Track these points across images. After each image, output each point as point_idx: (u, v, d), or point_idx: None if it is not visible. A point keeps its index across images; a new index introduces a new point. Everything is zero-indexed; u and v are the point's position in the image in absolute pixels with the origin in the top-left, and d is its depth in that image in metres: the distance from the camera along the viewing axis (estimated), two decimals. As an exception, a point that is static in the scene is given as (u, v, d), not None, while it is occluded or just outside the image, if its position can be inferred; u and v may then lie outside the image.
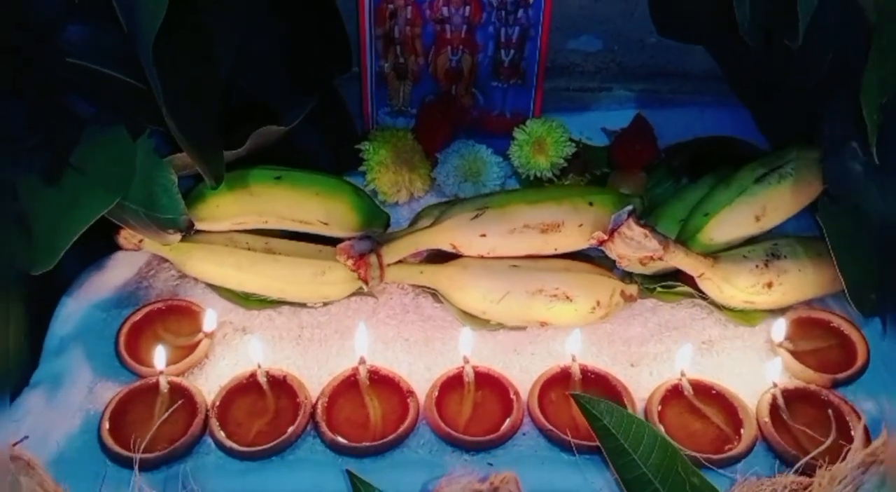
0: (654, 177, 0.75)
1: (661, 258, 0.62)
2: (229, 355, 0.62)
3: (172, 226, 0.54)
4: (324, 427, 0.56)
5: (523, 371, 0.62)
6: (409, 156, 0.73)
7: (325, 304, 0.66)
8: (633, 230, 0.61)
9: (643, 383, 0.61)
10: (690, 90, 0.82)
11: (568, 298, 0.63)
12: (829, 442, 0.51)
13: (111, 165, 0.52)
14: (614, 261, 0.64)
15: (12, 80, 0.54)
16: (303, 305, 0.66)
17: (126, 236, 0.60)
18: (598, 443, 0.53)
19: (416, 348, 0.63)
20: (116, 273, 0.67)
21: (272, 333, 0.64)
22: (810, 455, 0.48)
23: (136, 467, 0.50)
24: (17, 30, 0.54)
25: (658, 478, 0.49)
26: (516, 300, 0.63)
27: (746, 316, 0.65)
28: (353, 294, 0.66)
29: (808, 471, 0.48)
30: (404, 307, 0.67)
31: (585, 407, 0.52)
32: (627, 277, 0.66)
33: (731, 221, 0.64)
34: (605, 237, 0.62)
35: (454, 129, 0.76)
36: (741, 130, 0.78)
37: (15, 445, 0.34)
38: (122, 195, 0.51)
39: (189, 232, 0.56)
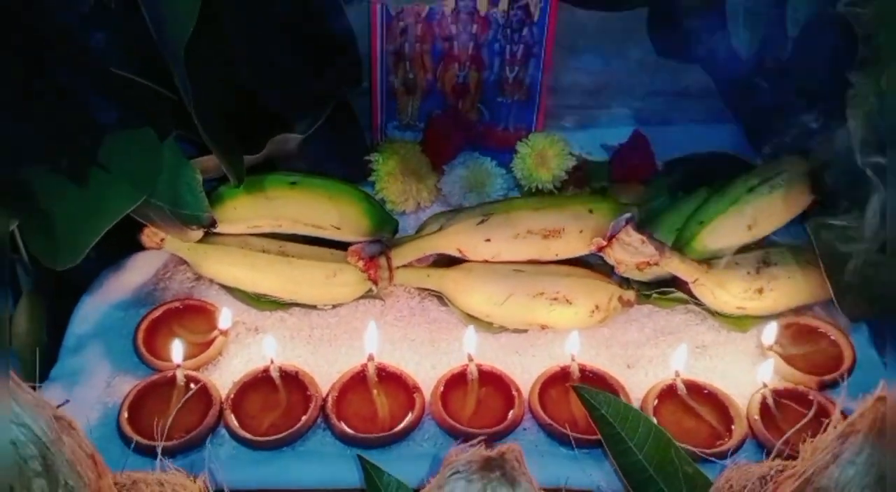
0: (652, 190, 0.78)
1: (657, 263, 0.65)
2: (242, 353, 0.65)
3: (196, 222, 0.57)
4: (334, 419, 0.59)
5: (524, 371, 0.64)
6: (417, 167, 0.77)
7: (335, 306, 0.69)
8: (631, 236, 0.64)
9: (639, 384, 0.63)
10: (687, 108, 0.85)
11: (568, 301, 0.66)
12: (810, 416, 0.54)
13: (138, 163, 0.55)
14: (613, 267, 0.67)
15: (40, 82, 0.57)
16: (313, 308, 0.69)
17: (149, 235, 0.63)
18: (596, 437, 0.56)
19: (423, 348, 0.66)
20: (134, 274, 0.70)
21: (284, 333, 0.67)
22: (792, 430, 0.51)
23: (160, 452, 0.52)
24: (45, 32, 0.57)
25: (653, 466, 0.51)
26: (518, 303, 0.66)
27: (738, 322, 0.68)
28: (362, 297, 0.69)
29: (793, 456, 0.51)
30: (411, 310, 0.69)
31: (585, 397, 0.54)
32: (625, 283, 0.69)
33: (724, 230, 0.67)
34: (605, 243, 0.65)
35: (460, 142, 0.79)
36: (735, 145, 0.81)
37: (58, 407, 0.36)
38: (149, 193, 0.55)
39: (212, 228, 0.59)
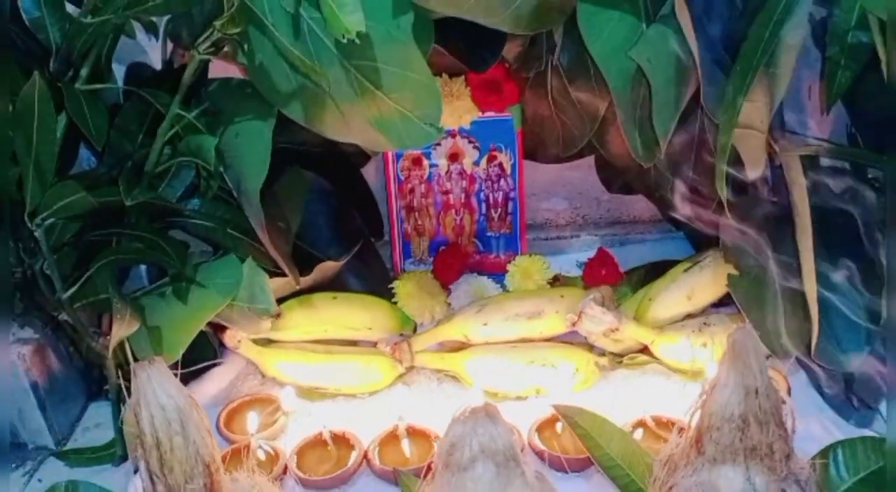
0: (619, 292, 0.98)
1: (617, 329, 0.83)
2: (299, 430, 0.82)
3: (266, 314, 0.77)
4: (376, 463, 0.75)
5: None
6: (430, 288, 0.97)
7: (371, 394, 0.87)
8: (594, 310, 0.83)
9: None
10: (640, 231, 1.08)
11: (553, 365, 0.83)
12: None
13: (224, 279, 0.77)
14: (592, 346, 0.86)
15: (157, 240, 0.81)
16: (353, 396, 0.87)
17: (230, 336, 0.83)
18: (581, 459, 0.71)
19: (442, 413, 0.82)
20: (214, 383, 0.90)
21: (332, 416, 0.84)
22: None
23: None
24: (157, 207, 0.82)
25: (622, 459, 0.66)
26: (514, 371, 0.83)
27: (695, 375, 0.84)
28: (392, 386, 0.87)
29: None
30: (431, 391, 0.87)
31: (566, 414, 0.70)
32: (601, 353, 0.87)
33: (668, 301, 0.86)
34: (576, 318, 0.84)
35: (462, 267, 1.00)
36: (680, 254, 1.02)
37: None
38: (231, 297, 0.76)
39: (277, 318, 0.79)
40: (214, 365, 0.89)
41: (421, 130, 0.70)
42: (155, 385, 0.53)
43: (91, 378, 0.98)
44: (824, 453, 0.64)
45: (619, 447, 0.68)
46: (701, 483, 0.56)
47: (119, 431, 0.88)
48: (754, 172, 0.77)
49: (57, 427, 0.93)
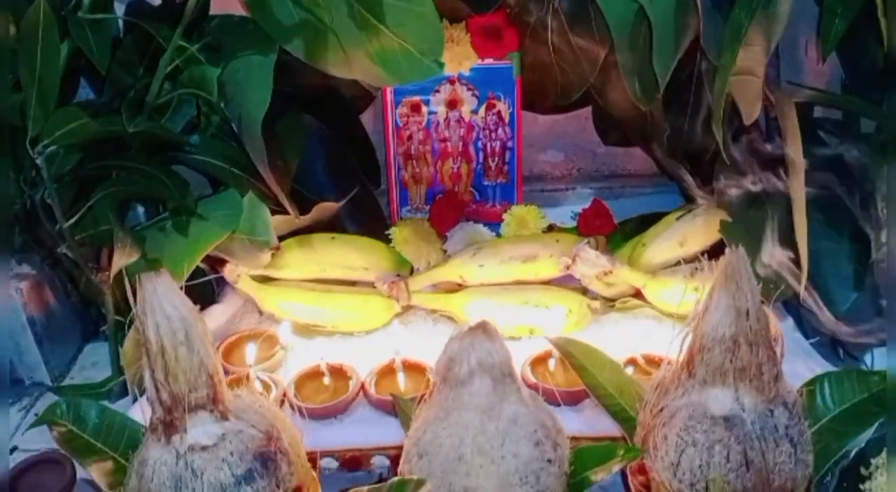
0: (612, 242, 0.99)
1: (610, 272, 0.84)
2: (297, 366, 0.83)
3: (266, 246, 0.78)
4: (372, 394, 0.76)
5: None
6: (426, 235, 0.98)
7: (368, 332, 0.88)
8: (589, 253, 0.84)
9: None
10: (635, 185, 1.09)
11: (547, 306, 0.85)
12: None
13: (225, 211, 0.78)
14: (586, 289, 0.87)
15: (157, 174, 0.82)
16: (351, 334, 0.88)
17: (230, 270, 0.84)
18: (574, 391, 0.73)
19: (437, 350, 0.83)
20: (213, 320, 0.90)
21: (329, 352, 0.85)
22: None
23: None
24: (158, 141, 0.83)
25: (613, 389, 0.68)
26: (508, 311, 0.85)
27: (686, 318, 0.86)
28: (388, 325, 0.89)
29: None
30: (426, 330, 0.88)
31: (561, 346, 0.72)
32: (594, 296, 0.88)
33: (661, 247, 0.88)
34: (570, 261, 0.85)
35: (458, 215, 1.01)
36: (674, 207, 1.03)
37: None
38: (232, 230, 0.77)
39: (276, 251, 0.80)
40: (212, 304, 0.90)
41: (422, 64, 0.71)
42: (160, 296, 0.53)
43: (88, 319, 0.99)
44: (810, 384, 0.66)
45: (611, 377, 0.69)
46: (691, 404, 0.58)
47: (117, 367, 0.89)
48: (750, 116, 0.79)
49: (54, 364, 0.95)
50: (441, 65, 0.71)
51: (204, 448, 0.55)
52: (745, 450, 0.55)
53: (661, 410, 0.59)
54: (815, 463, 0.59)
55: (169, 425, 0.55)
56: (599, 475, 0.57)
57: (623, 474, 0.67)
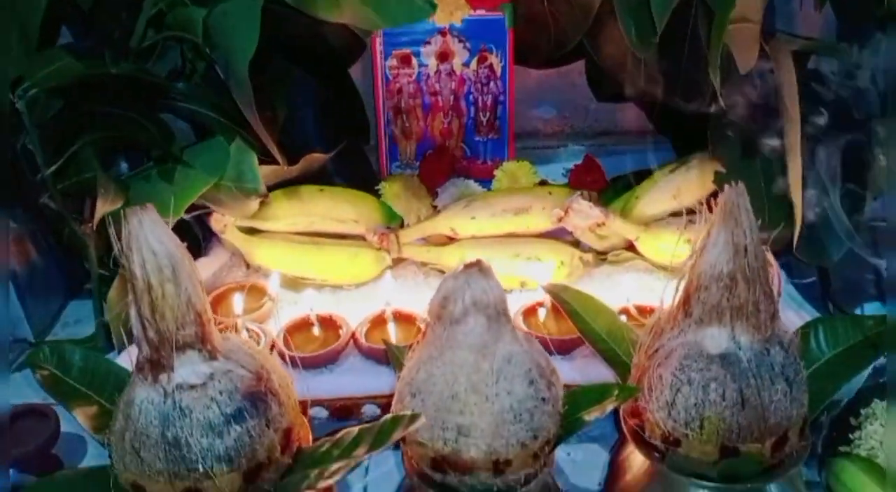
0: (604, 198, 0.98)
1: (603, 224, 0.84)
2: (286, 317, 0.82)
3: (254, 193, 0.76)
4: (363, 344, 0.75)
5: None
6: (416, 190, 0.97)
7: (358, 286, 0.87)
8: (581, 204, 0.83)
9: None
10: (627, 142, 1.08)
11: (539, 259, 0.84)
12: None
13: (212, 159, 0.76)
14: (578, 242, 0.86)
15: (143, 120, 0.80)
16: (340, 287, 0.87)
17: (216, 219, 0.82)
18: (566, 340, 0.72)
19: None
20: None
21: (318, 305, 0.84)
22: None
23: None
24: (142, 87, 0.81)
25: (606, 334, 0.67)
26: (500, 263, 0.83)
27: (679, 271, 0.85)
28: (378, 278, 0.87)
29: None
30: (417, 283, 0.87)
31: (554, 293, 0.71)
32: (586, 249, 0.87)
33: (655, 199, 0.87)
34: (563, 213, 0.84)
35: (449, 171, 1.00)
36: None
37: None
38: (219, 177, 0.75)
39: (265, 199, 0.79)
40: (199, 258, 0.89)
41: (413, 4, 0.69)
42: (147, 230, 0.52)
43: (72, 275, 0.97)
44: (804, 328, 0.65)
45: (605, 323, 0.69)
46: (686, 344, 0.57)
47: (101, 321, 0.88)
48: (746, 65, 0.78)
49: (36, 320, 0.93)
50: (433, 5, 0.69)
51: (192, 387, 0.54)
52: (741, 388, 0.55)
53: (657, 351, 0.58)
54: (810, 404, 0.58)
55: (156, 364, 0.54)
56: (593, 414, 0.56)
57: (617, 419, 0.67)
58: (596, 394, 0.58)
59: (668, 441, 0.57)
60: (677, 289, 0.59)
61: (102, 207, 0.73)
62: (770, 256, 0.57)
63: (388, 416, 0.53)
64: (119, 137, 0.79)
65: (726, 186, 0.55)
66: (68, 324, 0.96)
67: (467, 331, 0.54)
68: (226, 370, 0.56)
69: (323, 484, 0.54)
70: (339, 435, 0.57)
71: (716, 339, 0.56)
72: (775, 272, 0.66)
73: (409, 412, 0.53)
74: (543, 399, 0.55)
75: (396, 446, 0.74)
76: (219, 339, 0.57)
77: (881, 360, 0.75)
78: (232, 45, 0.75)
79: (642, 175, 0.99)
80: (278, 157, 0.77)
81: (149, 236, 0.52)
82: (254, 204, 0.78)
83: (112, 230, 0.53)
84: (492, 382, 0.54)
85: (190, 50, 0.79)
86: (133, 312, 0.53)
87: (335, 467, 0.53)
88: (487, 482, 0.56)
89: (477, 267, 0.55)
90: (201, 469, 0.53)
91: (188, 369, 0.55)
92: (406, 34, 0.95)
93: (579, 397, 0.58)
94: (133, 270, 0.52)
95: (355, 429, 0.55)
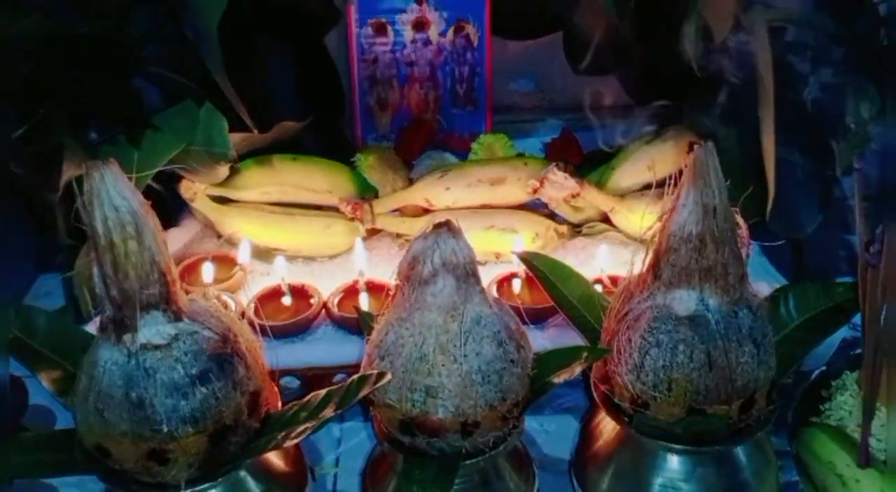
0: (581, 171, 0.98)
1: (578, 194, 0.83)
2: (257, 287, 0.81)
3: (224, 158, 0.75)
4: (335, 313, 0.75)
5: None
6: (392, 162, 0.96)
7: (331, 257, 0.86)
8: (556, 175, 0.83)
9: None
10: (605, 116, 1.07)
11: (514, 230, 0.83)
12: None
13: (181, 123, 0.75)
14: (553, 214, 0.86)
15: (112, 84, 0.78)
16: (313, 259, 0.86)
17: (186, 186, 0.81)
18: (539, 309, 0.72)
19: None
20: (170, 244, 0.87)
21: (290, 275, 0.83)
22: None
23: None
24: (112, 52, 0.79)
25: (578, 301, 0.67)
26: (474, 235, 0.83)
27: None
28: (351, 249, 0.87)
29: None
30: (391, 255, 0.87)
31: (526, 259, 0.71)
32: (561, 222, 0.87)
33: (630, 170, 0.87)
34: (538, 185, 0.84)
35: (425, 143, 0.99)
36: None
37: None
38: (188, 141, 0.74)
39: (234, 163, 0.78)
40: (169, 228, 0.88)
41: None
42: (109, 185, 0.51)
43: (42, 249, 0.96)
44: (776, 293, 0.66)
45: (576, 289, 0.68)
46: (655, 307, 0.57)
47: (71, 295, 0.86)
48: (721, 33, 0.77)
49: (5, 293, 0.91)
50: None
51: (157, 347, 0.53)
52: (709, 349, 0.55)
53: (626, 314, 0.58)
54: (779, 368, 0.59)
55: (119, 324, 0.53)
56: (563, 376, 0.56)
57: (589, 391, 0.67)
58: (565, 357, 0.58)
59: (636, 404, 0.57)
60: (647, 252, 0.59)
61: (69, 171, 0.72)
62: (739, 218, 0.56)
63: (356, 375, 0.53)
64: (87, 102, 0.77)
65: (696, 146, 0.55)
66: (38, 297, 0.95)
67: (436, 292, 0.54)
68: (191, 331, 0.55)
69: (289, 443, 0.53)
70: (307, 398, 0.56)
71: (684, 301, 0.56)
72: (745, 234, 0.66)
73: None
74: (512, 361, 0.55)
75: (368, 419, 0.74)
76: (184, 300, 0.57)
77: (851, 332, 0.76)
78: (201, 4, 0.73)
79: (619, 149, 1.00)
80: (249, 121, 0.75)
81: (111, 192, 0.51)
82: (224, 170, 0.77)
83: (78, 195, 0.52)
84: (460, 343, 0.54)
85: (162, 14, 0.78)
86: (95, 271, 0.52)
87: (302, 427, 0.53)
88: (456, 445, 0.56)
89: (446, 227, 0.54)
90: (165, 430, 0.53)
91: (152, 329, 0.54)
92: (382, 1, 0.94)
93: (549, 361, 0.58)
94: (94, 226, 0.51)
95: (323, 391, 0.55)
